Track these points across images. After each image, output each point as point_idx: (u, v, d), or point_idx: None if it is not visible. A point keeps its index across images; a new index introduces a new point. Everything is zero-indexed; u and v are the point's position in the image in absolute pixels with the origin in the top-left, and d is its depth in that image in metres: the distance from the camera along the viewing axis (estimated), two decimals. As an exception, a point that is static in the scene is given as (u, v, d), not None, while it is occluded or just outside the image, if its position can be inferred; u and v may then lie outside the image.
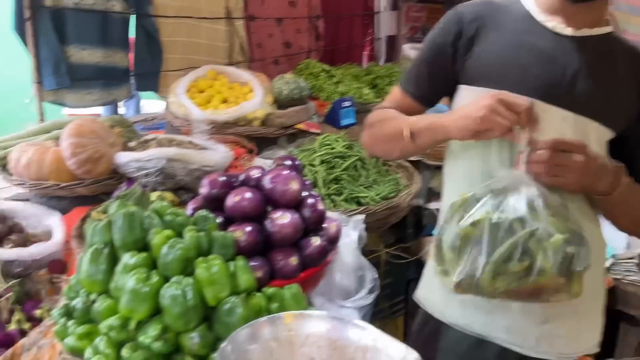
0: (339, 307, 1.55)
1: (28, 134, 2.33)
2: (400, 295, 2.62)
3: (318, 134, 2.68)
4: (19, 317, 1.45)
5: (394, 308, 2.60)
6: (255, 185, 1.42)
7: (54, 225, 1.89)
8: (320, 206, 1.43)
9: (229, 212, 1.37)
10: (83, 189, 2.04)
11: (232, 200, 1.36)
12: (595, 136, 1.14)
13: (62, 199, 2.11)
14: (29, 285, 1.70)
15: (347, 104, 2.80)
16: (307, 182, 1.51)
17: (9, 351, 1.31)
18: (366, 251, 1.75)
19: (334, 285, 1.57)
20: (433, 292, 1.39)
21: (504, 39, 1.17)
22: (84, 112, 3.68)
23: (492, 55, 1.17)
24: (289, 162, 1.56)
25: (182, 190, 2.07)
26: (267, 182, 1.38)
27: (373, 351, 0.98)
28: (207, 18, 3.08)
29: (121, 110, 4.05)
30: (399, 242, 2.53)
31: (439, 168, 2.61)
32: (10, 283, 1.55)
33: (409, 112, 1.33)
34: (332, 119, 2.81)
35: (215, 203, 1.41)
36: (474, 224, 1.05)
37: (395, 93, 1.41)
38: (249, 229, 1.32)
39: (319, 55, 3.83)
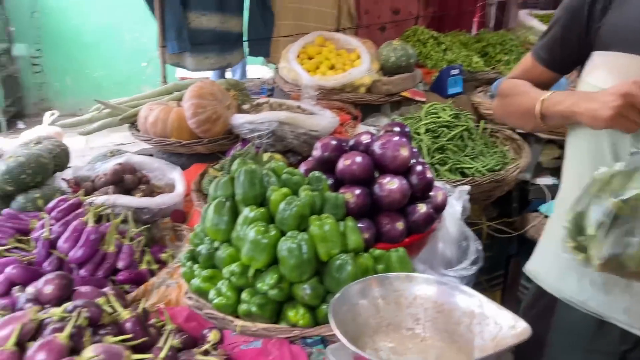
0: (441, 275, 1.57)
1: (153, 94, 2.54)
2: (500, 270, 2.57)
3: (423, 102, 2.65)
4: (148, 259, 1.62)
5: (492, 282, 2.56)
6: (365, 150, 1.46)
7: (176, 179, 2.06)
8: (429, 174, 1.45)
9: (339, 174, 1.42)
10: (201, 147, 2.20)
11: (342, 163, 1.41)
12: None
13: (181, 156, 2.30)
14: (154, 232, 1.88)
15: (455, 72, 2.73)
16: (414, 150, 1.52)
17: (142, 287, 1.48)
18: (467, 223, 1.74)
19: (437, 254, 1.59)
20: (547, 266, 1.35)
21: None
22: (196, 76, 3.91)
23: (630, 18, 1.09)
24: (397, 129, 1.58)
25: (290, 152, 2.17)
26: (377, 148, 1.42)
27: (480, 317, 1.00)
28: (318, -16, 3.13)
29: (228, 74, 4.23)
30: (502, 216, 2.47)
31: (550, 142, 2.50)
32: (140, 228, 1.72)
33: (540, 80, 1.29)
34: (438, 88, 2.76)
35: (326, 165, 1.47)
36: (626, 201, 0.98)
37: (527, 60, 1.36)
38: (358, 191, 1.37)
39: (427, 21, 3.73)
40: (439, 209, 1.50)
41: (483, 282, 2.48)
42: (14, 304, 1.21)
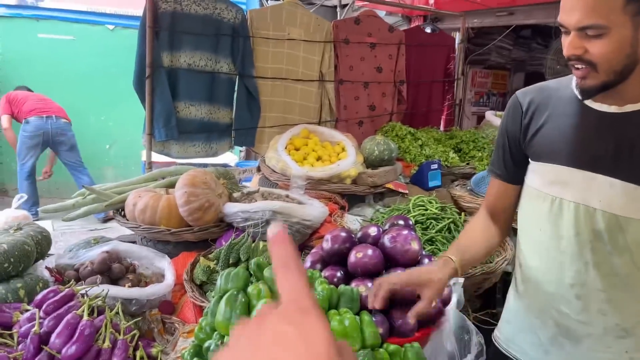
0: (447, 371, 1.55)
1: (139, 180, 2.51)
2: (486, 362, 2.55)
3: (405, 194, 2.74)
4: (142, 354, 1.53)
5: (479, 376, 2.52)
6: (374, 243, 1.48)
7: (165, 268, 2.00)
8: (437, 267, 1.47)
9: (351, 268, 1.42)
10: (190, 235, 2.16)
11: (354, 256, 1.42)
12: None
13: (168, 243, 2.25)
14: (142, 324, 1.78)
15: (434, 166, 2.86)
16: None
17: (135, 386, 1.38)
18: (456, 316, 1.75)
19: (441, 348, 1.57)
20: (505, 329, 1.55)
21: (553, 121, 1.31)
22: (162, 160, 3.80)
23: (544, 136, 1.32)
24: (402, 222, 1.62)
25: (282, 242, 2.16)
26: (387, 241, 1.44)
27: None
28: (303, 80, 3.28)
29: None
30: (486, 308, 2.49)
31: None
32: (131, 321, 1.63)
33: (513, 195, 1.47)
34: (419, 180, 2.87)
35: (335, 257, 1.47)
36: None
37: (494, 183, 1.50)
38: (370, 285, 1.37)
39: (400, 117, 3.95)
40: (446, 301, 1.51)
41: (471, 376, 2.44)
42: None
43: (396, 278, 1.28)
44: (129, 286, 1.84)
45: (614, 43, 1.09)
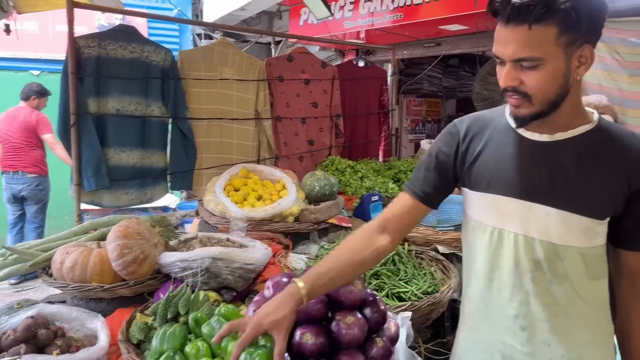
0: (402, 412, 1.50)
1: (68, 235, 2.36)
2: (442, 393, 2.52)
3: (349, 228, 2.73)
4: None
5: (435, 408, 2.49)
6: (317, 285, 1.43)
7: (98, 329, 1.86)
8: (382, 305, 1.44)
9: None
10: (125, 290, 2.03)
11: (297, 302, 1.36)
12: (580, 227, 1.21)
13: (102, 301, 2.10)
14: (73, 394, 1.64)
15: (375, 198, 2.88)
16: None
17: None
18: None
19: (393, 389, 1.53)
20: None
21: (489, 150, 1.32)
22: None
23: (481, 166, 1.33)
24: (344, 261, 1.58)
25: (225, 289, 2.07)
26: (330, 283, 1.39)
27: None
28: (239, 119, 3.24)
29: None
30: (436, 337, 2.48)
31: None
32: (60, 392, 1.50)
33: (419, 216, 1.45)
34: (361, 213, 2.87)
35: (278, 305, 1.41)
36: None
37: (406, 199, 1.45)
38: (316, 331, 1.32)
39: (339, 151, 3.98)
40: (394, 340, 1.48)
41: (427, 409, 2.40)
42: None
43: (249, 330, 1.18)
44: (57, 353, 1.69)
45: (548, 74, 1.12)
